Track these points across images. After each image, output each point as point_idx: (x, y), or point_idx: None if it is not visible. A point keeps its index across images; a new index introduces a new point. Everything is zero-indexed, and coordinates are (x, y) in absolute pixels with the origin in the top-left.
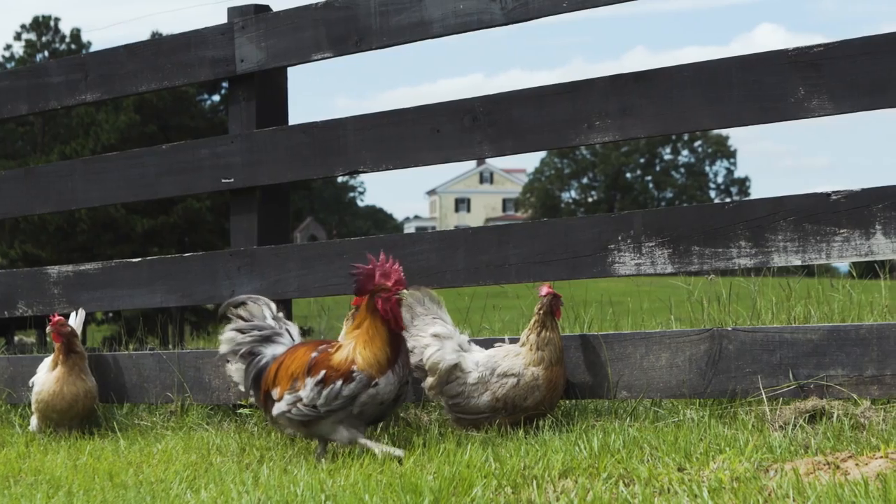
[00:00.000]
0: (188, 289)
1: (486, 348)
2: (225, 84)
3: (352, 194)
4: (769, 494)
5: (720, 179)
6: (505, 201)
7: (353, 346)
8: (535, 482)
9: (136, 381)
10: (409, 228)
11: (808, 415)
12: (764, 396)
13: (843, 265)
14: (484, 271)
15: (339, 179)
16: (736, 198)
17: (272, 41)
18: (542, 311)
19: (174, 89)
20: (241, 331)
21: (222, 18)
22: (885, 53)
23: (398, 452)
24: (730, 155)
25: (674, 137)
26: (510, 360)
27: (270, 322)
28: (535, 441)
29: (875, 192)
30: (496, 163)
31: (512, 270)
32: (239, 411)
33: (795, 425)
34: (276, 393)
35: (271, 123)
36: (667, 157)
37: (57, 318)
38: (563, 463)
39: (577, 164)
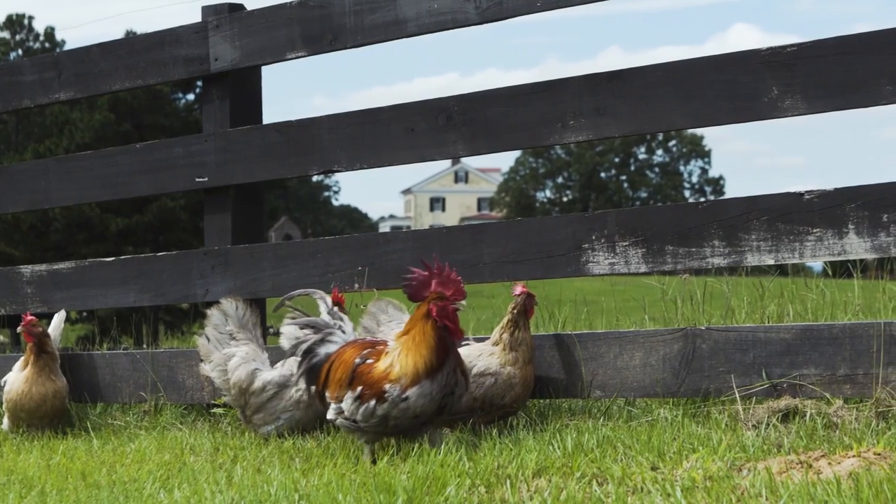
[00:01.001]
0: (161, 288)
1: None
2: (199, 83)
3: (327, 193)
4: (742, 493)
5: (695, 179)
6: (480, 200)
7: (396, 355)
8: (508, 481)
9: (109, 381)
10: (384, 228)
11: (781, 414)
12: (737, 395)
13: (817, 264)
14: (458, 270)
15: (314, 178)
16: (710, 197)
17: (246, 40)
18: (515, 311)
19: (148, 88)
20: (302, 326)
21: (197, 17)
22: (857, 53)
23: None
24: (704, 154)
25: (648, 137)
26: (485, 360)
27: (326, 317)
28: (509, 440)
29: (848, 191)
30: (471, 162)
31: (486, 270)
32: (213, 411)
33: (768, 424)
34: (327, 396)
35: (245, 122)
36: (641, 156)
37: (29, 317)
38: (536, 462)
39: (551, 163)
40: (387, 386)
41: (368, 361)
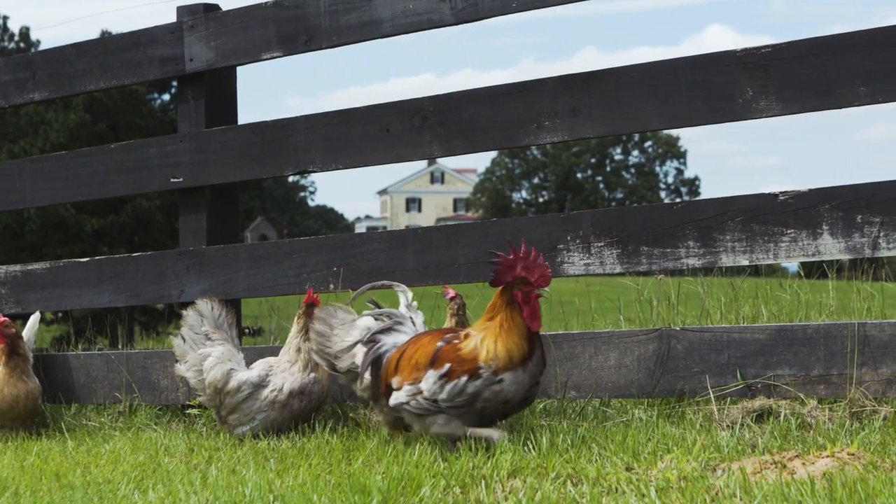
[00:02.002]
0: (136, 289)
1: None
2: (175, 83)
3: (302, 194)
4: (716, 493)
5: (670, 180)
6: (456, 201)
7: (483, 339)
8: (483, 482)
9: (84, 382)
10: (360, 228)
11: (755, 414)
12: (712, 396)
13: (792, 265)
14: (433, 271)
15: (290, 179)
16: (686, 198)
17: (222, 40)
18: (460, 312)
19: (124, 88)
20: (377, 317)
21: (172, 17)
22: (832, 55)
23: (498, 435)
24: (680, 155)
25: (624, 138)
26: None
27: (403, 310)
28: (483, 440)
29: (822, 192)
30: (447, 163)
31: (461, 270)
32: (187, 412)
33: (743, 425)
34: (395, 382)
35: (221, 123)
36: (617, 157)
37: (2, 318)
38: (511, 463)
39: (527, 164)
40: (481, 363)
41: (454, 342)
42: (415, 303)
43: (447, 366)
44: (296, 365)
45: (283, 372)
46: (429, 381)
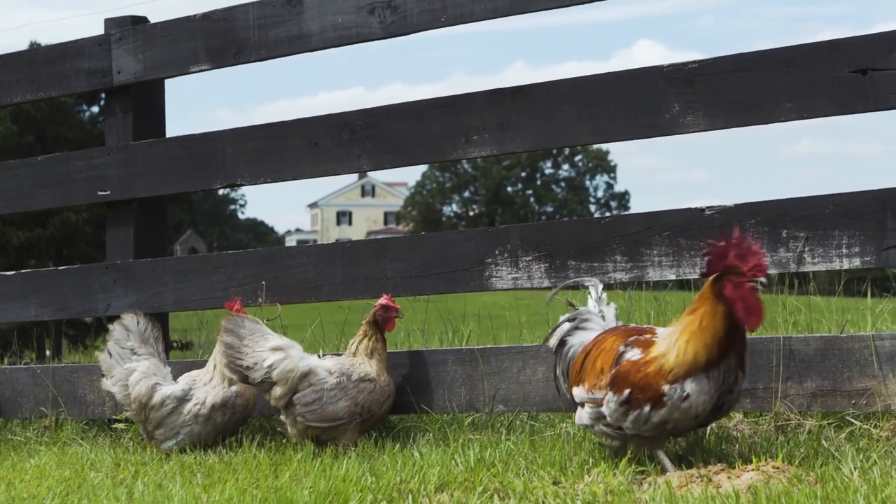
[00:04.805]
0: (63, 302)
1: None
2: (103, 95)
3: (233, 207)
4: None
5: (600, 194)
6: (387, 214)
7: (674, 339)
8: (410, 496)
9: (9, 396)
10: (291, 241)
11: None
12: None
13: None
14: (362, 285)
15: (219, 192)
16: (616, 212)
17: (149, 53)
18: (366, 321)
19: (51, 100)
20: (568, 319)
21: (101, 30)
22: (757, 70)
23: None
24: (610, 169)
25: (555, 151)
26: (364, 367)
27: (591, 304)
28: (412, 455)
29: (748, 207)
30: (378, 176)
31: (390, 284)
32: (114, 426)
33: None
34: (577, 393)
35: (148, 135)
36: (548, 171)
37: None
38: (439, 477)
39: (458, 177)
40: (665, 388)
41: (634, 351)
42: (604, 294)
43: (627, 392)
44: (216, 378)
45: (206, 385)
46: (610, 405)
